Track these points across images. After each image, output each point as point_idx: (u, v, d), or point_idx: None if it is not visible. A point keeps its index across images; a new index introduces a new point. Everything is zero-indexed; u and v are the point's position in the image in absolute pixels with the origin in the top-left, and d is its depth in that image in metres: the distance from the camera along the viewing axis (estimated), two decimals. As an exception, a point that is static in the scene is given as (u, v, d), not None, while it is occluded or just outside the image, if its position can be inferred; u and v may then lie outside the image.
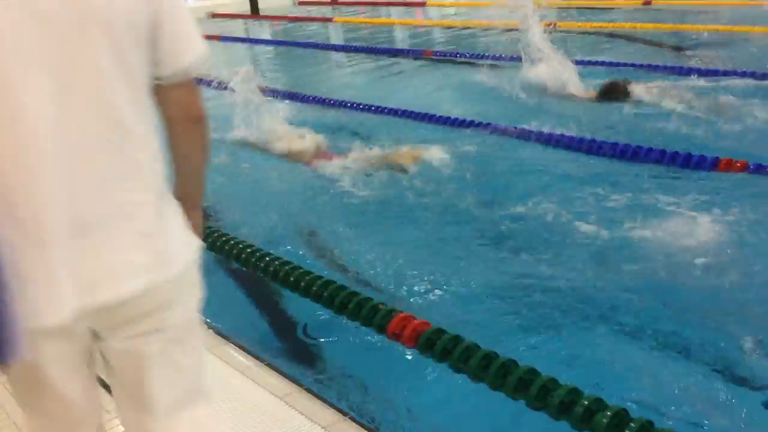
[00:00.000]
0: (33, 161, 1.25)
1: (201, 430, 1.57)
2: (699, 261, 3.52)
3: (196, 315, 1.54)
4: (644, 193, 4.39)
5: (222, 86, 6.34)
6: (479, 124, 6.05)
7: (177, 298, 1.46)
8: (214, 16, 17.92)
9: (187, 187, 1.57)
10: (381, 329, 2.99)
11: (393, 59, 10.09)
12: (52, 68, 1.24)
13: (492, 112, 6.40)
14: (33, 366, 1.38)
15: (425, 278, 3.69)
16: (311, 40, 12.79)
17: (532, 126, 5.78)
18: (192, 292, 1.52)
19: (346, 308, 3.17)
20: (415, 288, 3.63)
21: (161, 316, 1.43)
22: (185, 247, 1.47)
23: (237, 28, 16.11)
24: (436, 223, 4.38)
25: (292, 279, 3.48)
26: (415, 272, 3.76)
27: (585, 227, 4.00)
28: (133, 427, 1.56)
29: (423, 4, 17.21)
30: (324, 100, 7.61)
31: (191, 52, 1.43)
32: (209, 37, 13.74)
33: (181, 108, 1.47)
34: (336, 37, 13.97)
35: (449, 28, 13.16)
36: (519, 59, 7.40)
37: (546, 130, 5.68)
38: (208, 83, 6.57)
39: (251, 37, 14.70)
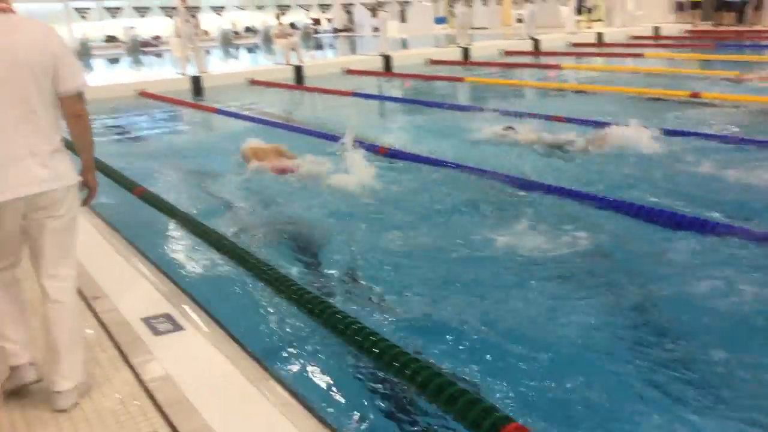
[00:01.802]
0: None
1: (69, 299, 2.99)
2: None
3: (75, 216, 3.01)
4: None
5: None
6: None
7: (62, 200, 2.91)
8: (349, 72, 18.45)
9: (82, 156, 3.10)
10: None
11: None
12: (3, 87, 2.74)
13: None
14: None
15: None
16: (439, 100, 12.78)
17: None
18: (73, 201, 2.99)
19: (453, 404, 2.90)
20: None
21: (54, 209, 2.90)
22: (68, 176, 2.94)
23: (369, 84, 16.45)
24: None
25: (397, 364, 3.28)
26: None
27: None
28: (35, 271, 2.99)
29: (557, 67, 16.91)
30: (450, 164, 7.47)
31: (73, 82, 2.91)
32: (342, 93, 14.14)
33: (70, 110, 2.95)
34: (464, 96, 13.92)
35: (581, 92, 12.76)
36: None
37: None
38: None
39: (382, 94, 14.91)
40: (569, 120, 9.52)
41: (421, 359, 3.33)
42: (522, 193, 6.36)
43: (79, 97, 2.95)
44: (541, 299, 4.21)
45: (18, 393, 3.06)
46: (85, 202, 3.17)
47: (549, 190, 6.27)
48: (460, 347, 3.71)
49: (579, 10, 26.07)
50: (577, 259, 4.79)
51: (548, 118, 9.84)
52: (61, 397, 2.94)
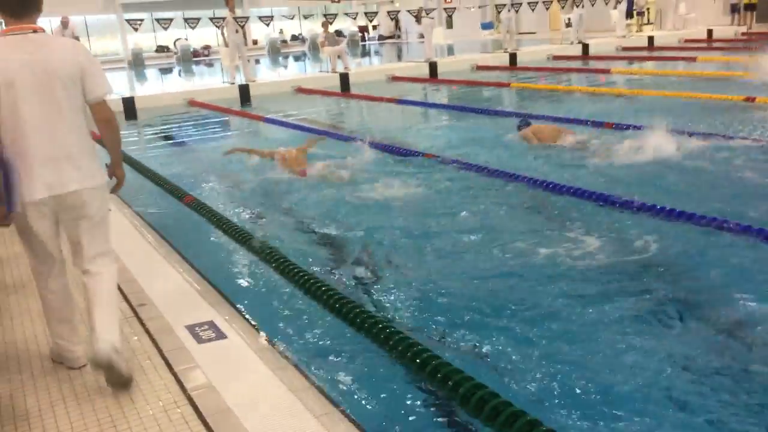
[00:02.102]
0: (27, 133, 3.05)
1: (108, 270, 3.31)
2: None
3: (106, 215, 3.32)
4: None
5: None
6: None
7: (91, 201, 3.20)
8: (394, 79, 18.47)
9: (111, 154, 3.40)
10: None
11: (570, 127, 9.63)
12: (37, 95, 3.06)
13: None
14: (27, 223, 3.14)
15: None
16: (484, 106, 12.67)
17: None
18: (102, 201, 3.28)
19: (495, 418, 2.84)
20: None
21: (84, 210, 3.19)
22: (97, 177, 3.23)
23: (415, 91, 16.43)
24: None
25: (439, 375, 3.22)
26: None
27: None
28: (76, 264, 3.33)
29: (607, 71, 16.61)
30: (497, 171, 7.39)
31: (100, 90, 3.23)
32: (387, 100, 14.16)
33: (98, 115, 3.26)
34: (510, 102, 13.79)
35: (631, 97, 12.50)
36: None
37: None
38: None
39: (427, 101, 14.86)
40: (618, 126, 9.32)
41: (464, 371, 3.26)
42: (566, 200, 6.24)
43: (105, 102, 3.27)
44: (598, 318, 4.05)
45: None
46: (114, 191, 3.50)
47: (596, 198, 6.14)
48: (509, 366, 3.62)
49: (630, 14, 25.55)
50: (641, 272, 4.64)
51: (597, 123, 9.66)
52: (100, 351, 3.10)
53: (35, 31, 3.15)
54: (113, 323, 3.23)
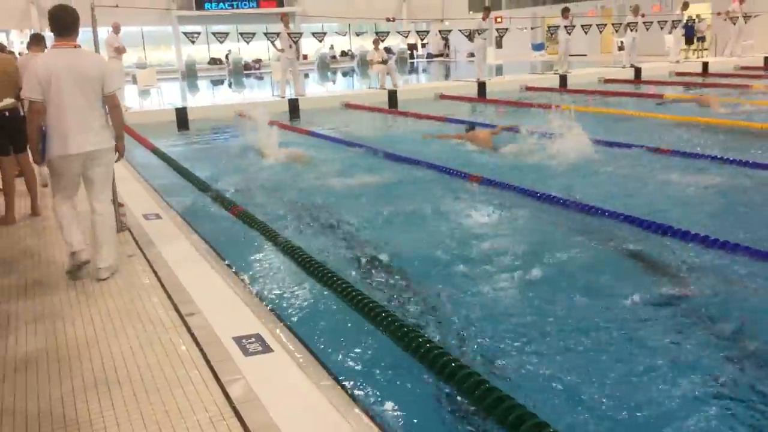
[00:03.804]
0: (65, 112, 4.81)
1: (107, 211, 5.17)
2: None
3: (111, 167, 5.19)
4: None
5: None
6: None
7: (104, 156, 5.04)
8: (443, 97, 18.48)
9: (117, 131, 5.12)
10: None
11: (626, 152, 9.50)
12: (71, 88, 4.81)
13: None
14: (61, 169, 4.95)
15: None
16: (533, 127, 12.52)
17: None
18: (110, 157, 5.11)
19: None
20: None
21: (99, 161, 5.01)
22: (108, 142, 5.05)
23: (463, 109, 16.41)
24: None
25: (488, 401, 3.18)
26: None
27: None
28: (88, 196, 5.13)
29: (660, 96, 16.35)
30: (535, 194, 7.32)
31: (112, 87, 5.01)
32: (434, 118, 14.15)
33: (110, 102, 5.04)
34: (557, 124, 13.58)
35: (684, 123, 12.24)
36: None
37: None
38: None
39: (474, 119, 14.80)
40: (675, 152, 9.16)
41: (511, 397, 3.22)
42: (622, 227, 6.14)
43: (115, 95, 5.09)
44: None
45: (75, 272, 5.08)
46: (117, 160, 5.28)
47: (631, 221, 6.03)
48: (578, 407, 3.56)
49: (690, 40, 25.05)
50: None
51: (648, 148, 9.51)
52: (101, 271, 5.04)
53: (75, 47, 4.98)
54: (111, 250, 5.15)
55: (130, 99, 19.28)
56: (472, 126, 11.64)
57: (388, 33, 21.06)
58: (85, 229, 5.21)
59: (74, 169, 4.95)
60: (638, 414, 3.29)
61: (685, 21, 23.63)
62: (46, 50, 7.55)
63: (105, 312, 4.43)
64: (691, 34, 24.71)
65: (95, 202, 5.07)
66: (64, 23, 4.89)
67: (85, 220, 5.23)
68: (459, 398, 3.40)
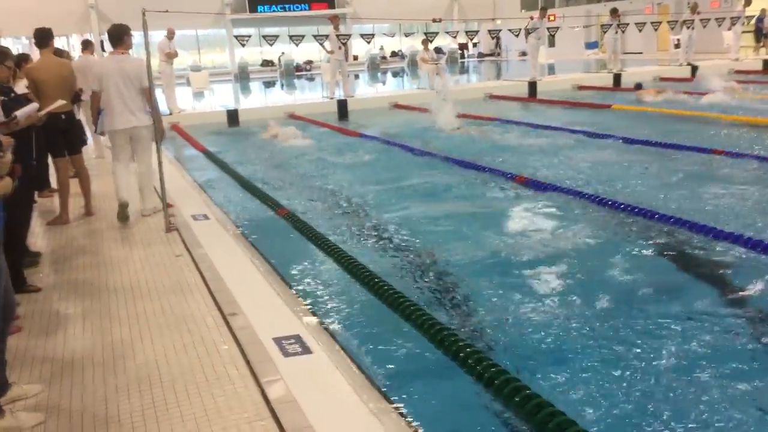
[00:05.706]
0: (113, 99, 6.88)
1: (148, 171, 7.25)
2: None
3: (149, 140, 7.15)
4: None
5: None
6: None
7: (143, 131, 7.07)
8: (492, 97, 18.33)
9: (154, 116, 6.89)
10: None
11: (684, 155, 9.20)
12: (118, 82, 6.85)
13: None
14: (113, 139, 7.14)
15: None
16: (583, 127, 12.31)
17: None
18: (148, 132, 7.07)
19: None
20: None
21: (140, 135, 7.08)
22: (146, 121, 7.00)
23: (512, 109, 16.22)
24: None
25: (525, 404, 3.13)
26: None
27: None
28: (135, 160, 7.32)
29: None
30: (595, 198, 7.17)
31: (145, 83, 6.84)
32: (483, 118, 14.03)
33: (146, 93, 6.91)
34: (609, 124, 13.31)
35: (757, 126, 11.84)
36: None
37: None
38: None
39: (524, 120, 14.60)
40: (728, 153, 8.87)
41: (546, 398, 3.15)
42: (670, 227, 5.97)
43: (147, 88, 6.77)
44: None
45: (120, 214, 6.95)
46: (161, 139, 6.85)
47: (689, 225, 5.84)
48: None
49: (759, 37, 24.14)
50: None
51: (702, 150, 9.23)
52: (145, 210, 7.15)
53: (122, 53, 6.93)
54: (152, 195, 7.20)
55: (183, 101, 19.64)
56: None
57: (436, 33, 20.95)
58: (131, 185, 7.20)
59: (121, 139, 7.00)
60: None
61: (758, 16, 22.81)
62: (94, 52, 11.83)
63: (151, 311, 4.52)
64: (761, 32, 23.75)
65: (140, 163, 7.19)
66: (113, 38, 6.98)
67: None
68: (497, 403, 3.35)
